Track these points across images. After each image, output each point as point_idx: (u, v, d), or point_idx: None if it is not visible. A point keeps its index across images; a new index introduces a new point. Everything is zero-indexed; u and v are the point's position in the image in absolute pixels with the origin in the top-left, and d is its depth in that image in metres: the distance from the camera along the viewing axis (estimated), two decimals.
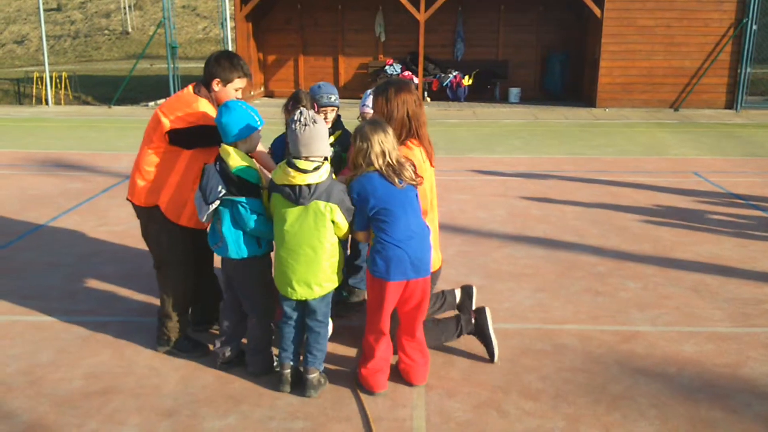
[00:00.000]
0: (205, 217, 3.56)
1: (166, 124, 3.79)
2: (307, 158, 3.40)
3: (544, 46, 17.98)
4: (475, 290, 4.44)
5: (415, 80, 17.02)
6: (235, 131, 3.54)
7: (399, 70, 17.50)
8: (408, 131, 3.81)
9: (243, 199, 3.51)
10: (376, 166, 3.46)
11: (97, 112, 15.99)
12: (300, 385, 3.63)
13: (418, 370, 3.69)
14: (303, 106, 4.18)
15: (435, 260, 3.93)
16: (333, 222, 3.46)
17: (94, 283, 5.19)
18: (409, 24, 17.04)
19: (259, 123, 3.63)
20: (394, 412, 3.47)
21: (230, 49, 16.81)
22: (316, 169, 3.39)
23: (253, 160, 3.66)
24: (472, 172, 9.25)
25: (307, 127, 3.37)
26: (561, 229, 6.62)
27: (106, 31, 34.73)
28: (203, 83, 3.89)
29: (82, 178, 8.79)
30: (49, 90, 17.03)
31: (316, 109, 4.33)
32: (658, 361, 4.00)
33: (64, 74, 17.86)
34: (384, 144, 3.46)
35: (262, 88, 18.56)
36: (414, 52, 17.18)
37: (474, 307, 4.32)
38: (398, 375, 3.75)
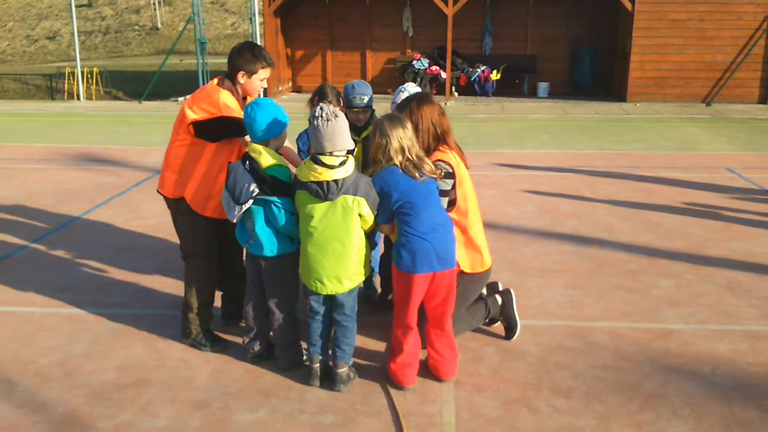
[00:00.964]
0: (236, 218, 3.56)
1: (190, 115, 3.85)
2: (331, 153, 3.40)
3: (574, 40, 17.78)
4: (500, 286, 4.45)
5: (443, 75, 16.96)
6: (266, 129, 3.54)
7: (426, 65, 17.45)
8: (435, 140, 3.84)
9: (276, 198, 3.51)
10: (396, 161, 3.47)
11: (127, 107, 16.20)
12: (329, 380, 3.64)
13: (447, 365, 3.69)
14: (328, 101, 4.19)
15: (485, 260, 3.97)
16: (360, 215, 3.46)
17: (126, 276, 5.26)
18: (437, 18, 16.97)
19: (288, 119, 3.63)
20: (424, 407, 3.47)
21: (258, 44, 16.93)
22: (342, 164, 3.40)
23: (282, 157, 3.67)
24: (501, 167, 9.19)
25: (329, 122, 3.36)
26: (592, 225, 6.55)
27: (136, 27, 35.10)
28: (228, 76, 3.94)
29: (114, 172, 8.92)
30: (81, 85, 17.28)
31: (341, 103, 4.32)
32: (691, 359, 3.94)
33: (95, 70, 18.10)
34: (403, 140, 3.47)
35: (290, 83, 18.63)
36: (442, 46, 17.11)
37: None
38: (427, 370, 3.74)
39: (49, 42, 33.73)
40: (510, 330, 4.18)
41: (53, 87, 18.31)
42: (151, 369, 3.86)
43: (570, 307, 4.69)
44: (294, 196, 3.55)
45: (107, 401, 3.53)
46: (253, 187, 3.47)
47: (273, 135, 3.57)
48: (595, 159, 9.74)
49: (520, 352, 4.04)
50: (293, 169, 3.68)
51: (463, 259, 3.87)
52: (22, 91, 18.61)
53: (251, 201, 3.51)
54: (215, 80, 3.97)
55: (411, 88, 4.44)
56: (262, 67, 3.92)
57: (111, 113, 15.14)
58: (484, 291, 4.42)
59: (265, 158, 3.53)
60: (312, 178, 3.39)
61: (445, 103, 16.10)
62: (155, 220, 6.67)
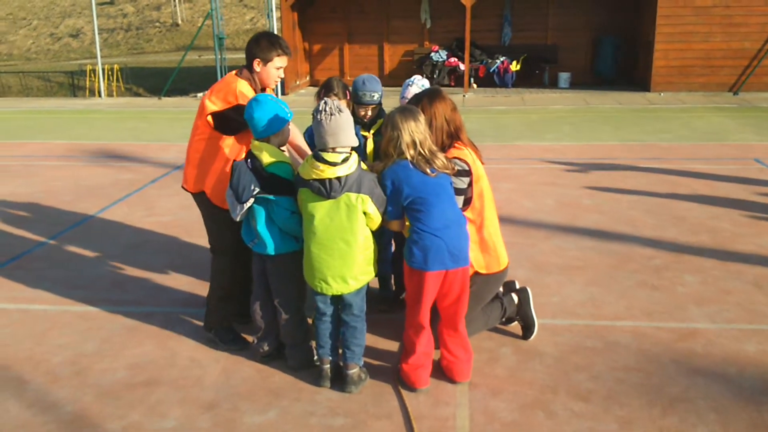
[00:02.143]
0: (238, 216, 3.50)
1: (209, 107, 3.82)
2: (334, 149, 3.30)
3: (596, 29, 17.48)
4: (517, 284, 4.32)
5: (461, 66, 16.78)
6: (266, 125, 3.46)
7: (445, 57, 17.28)
8: (450, 137, 3.73)
9: (277, 197, 3.44)
10: (407, 155, 3.37)
11: (147, 103, 16.24)
12: (340, 381, 3.56)
13: (461, 366, 3.58)
14: (335, 94, 4.09)
15: (501, 259, 3.84)
16: (365, 213, 3.37)
17: (140, 273, 5.22)
18: (455, 9, 16.76)
19: (289, 115, 3.55)
20: (437, 410, 3.37)
21: None
22: (345, 160, 3.29)
23: (286, 153, 3.59)
24: (520, 160, 9.04)
25: (333, 117, 3.26)
26: (614, 219, 6.39)
27: (156, 24, 35.27)
28: (246, 66, 3.88)
29: (133, 168, 8.91)
30: (102, 82, 17.37)
31: (348, 97, 4.21)
32: (718, 360, 3.79)
33: (116, 67, 18.19)
34: (415, 134, 3.36)
35: (308, 78, 18.57)
36: (460, 38, 16.92)
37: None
38: (440, 371, 3.65)
39: (73, 40, 34.01)
40: (527, 329, 4.07)
41: (75, 84, 18.43)
42: (161, 368, 3.81)
43: (590, 305, 4.55)
44: (296, 194, 3.46)
45: (117, 401, 3.48)
46: (254, 185, 3.40)
47: (273, 131, 3.48)
48: (618, 151, 9.54)
49: (537, 352, 3.93)
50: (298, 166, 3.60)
51: (478, 259, 3.76)
52: (45, 89, 18.76)
53: (252, 200, 3.44)
54: (234, 72, 3.92)
55: (418, 81, 4.33)
56: (278, 55, 3.84)
57: (131, 110, 15.19)
58: (501, 289, 4.30)
59: (266, 156, 3.44)
60: (314, 176, 3.29)
61: (464, 96, 15.93)
62: (170, 217, 6.63)
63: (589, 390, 3.52)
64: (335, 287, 3.43)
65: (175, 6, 35.44)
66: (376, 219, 3.42)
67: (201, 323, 4.21)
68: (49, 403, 3.47)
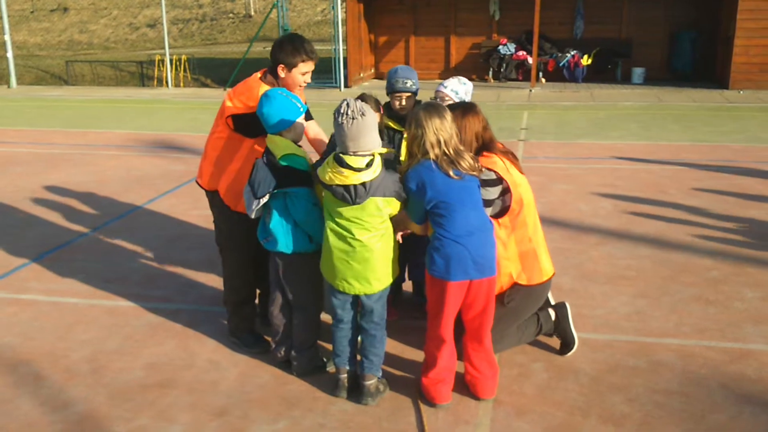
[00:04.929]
0: (254, 213, 3.41)
1: (229, 108, 3.74)
2: (355, 153, 3.11)
3: (673, 23, 16.63)
4: (552, 299, 4.04)
5: (530, 60, 16.29)
6: (277, 121, 3.38)
7: (513, 50, 16.82)
8: (476, 152, 3.52)
9: (293, 189, 3.34)
10: (431, 155, 3.15)
11: (212, 94, 16.46)
12: (357, 391, 3.39)
13: (485, 382, 3.36)
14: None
15: (544, 269, 3.61)
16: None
17: (174, 268, 5.18)
18: (525, 1, 16.26)
19: (301, 110, 3.43)
20: (455, 428, 3.16)
21: (340, 30, 16.76)
22: (369, 164, 3.11)
23: (301, 147, 3.47)
24: (580, 159, 8.63)
25: (354, 121, 3.07)
26: (673, 225, 5.97)
27: (230, 15, 35.88)
28: (270, 69, 3.75)
29: (185, 160, 8.97)
30: (169, 72, 17.71)
31: (381, 110, 4.02)
32: None
33: (183, 57, 18.52)
34: (440, 132, 3.14)
35: (373, 70, 18.42)
36: (529, 30, 16.39)
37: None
38: (465, 386, 3.43)
39: (150, 30, 34.99)
40: (566, 346, 3.78)
41: (144, 74, 18.88)
42: (178, 369, 3.73)
43: (636, 319, 4.23)
44: (312, 186, 3.36)
45: (128, 402, 3.42)
46: (270, 179, 3.30)
47: (284, 127, 3.39)
48: (686, 151, 8.99)
49: (572, 369, 3.65)
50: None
51: (518, 269, 3.52)
52: (116, 78, 19.30)
53: (268, 195, 3.33)
54: (258, 73, 3.82)
55: (454, 85, 4.10)
56: (303, 61, 3.72)
57: (195, 100, 15.41)
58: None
59: (279, 149, 3.35)
60: (337, 182, 3.11)
61: (530, 90, 15.46)
62: None
63: (624, 414, 3.24)
64: (358, 287, 3.27)
65: None
66: (398, 209, 3.27)
67: (226, 322, 4.12)
68: (60, 401, 3.43)
